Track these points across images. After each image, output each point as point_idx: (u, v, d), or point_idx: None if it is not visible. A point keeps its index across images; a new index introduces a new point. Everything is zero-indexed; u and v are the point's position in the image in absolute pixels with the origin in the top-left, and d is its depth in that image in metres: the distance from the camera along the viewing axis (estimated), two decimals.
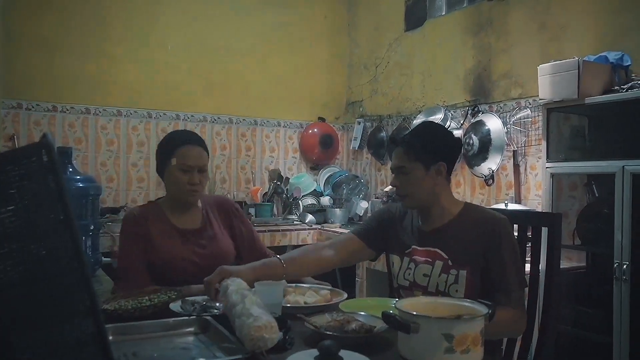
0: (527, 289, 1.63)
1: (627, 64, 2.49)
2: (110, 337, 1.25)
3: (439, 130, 1.76)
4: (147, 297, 1.53)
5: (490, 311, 1.15)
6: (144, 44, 3.94)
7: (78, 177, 2.12)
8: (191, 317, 1.38)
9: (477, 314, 1.14)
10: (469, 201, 3.36)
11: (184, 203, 1.90)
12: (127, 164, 3.91)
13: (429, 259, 1.63)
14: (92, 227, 2.13)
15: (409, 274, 1.67)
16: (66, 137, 3.71)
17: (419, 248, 1.67)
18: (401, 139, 1.69)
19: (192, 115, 4.13)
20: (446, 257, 1.60)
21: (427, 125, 1.79)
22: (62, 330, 0.84)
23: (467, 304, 1.22)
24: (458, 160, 1.95)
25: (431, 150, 1.63)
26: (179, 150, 1.83)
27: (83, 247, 0.87)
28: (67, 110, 3.73)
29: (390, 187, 3.89)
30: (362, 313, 1.39)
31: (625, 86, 2.37)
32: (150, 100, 3.98)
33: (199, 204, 1.96)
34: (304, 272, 1.79)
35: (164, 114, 4.03)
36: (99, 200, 2.24)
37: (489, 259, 1.55)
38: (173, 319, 1.37)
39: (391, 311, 1.17)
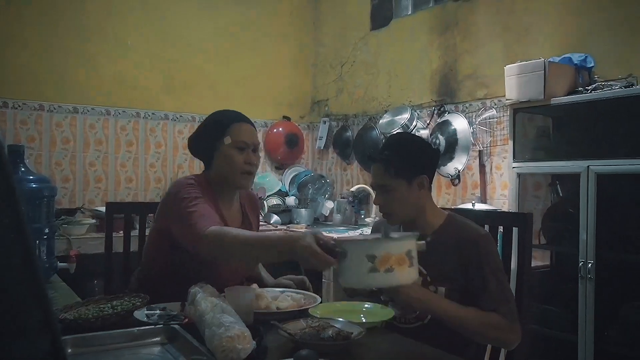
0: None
1: (591, 65, 2.54)
2: (69, 350, 1.17)
3: (417, 143, 1.70)
4: (109, 305, 1.44)
5: (419, 234, 1.30)
6: (102, 39, 3.78)
7: (31, 177, 1.98)
8: (157, 325, 1.30)
9: (403, 237, 1.22)
10: (434, 201, 3.38)
11: (235, 188, 1.77)
12: (84, 163, 3.74)
13: None
14: (46, 231, 2.00)
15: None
16: (18, 135, 3.52)
17: None
18: (379, 155, 1.63)
19: (153, 113, 4.00)
20: (425, 272, 1.57)
21: (404, 139, 1.74)
22: (11, 348, 0.76)
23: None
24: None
25: (412, 165, 1.59)
26: (233, 127, 1.70)
27: (36, 254, 0.79)
28: (19, 106, 3.54)
29: (356, 187, 3.88)
30: (340, 319, 1.34)
31: (589, 87, 2.41)
32: (108, 97, 3.82)
33: (236, 197, 1.83)
34: None
35: (123, 111, 3.89)
36: (53, 201, 2.12)
37: (471, 277, 1.52)
38: (138, 328, 1.29)
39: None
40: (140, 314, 1.38)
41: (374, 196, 1.72)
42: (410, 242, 1.20)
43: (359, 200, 3.93)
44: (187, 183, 1.65)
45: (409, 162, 1.59)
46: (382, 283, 1.20)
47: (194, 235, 1.47)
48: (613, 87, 2.31)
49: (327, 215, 4.11)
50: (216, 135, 1.71)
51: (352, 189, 3.91)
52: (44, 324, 0.78)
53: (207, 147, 1.74)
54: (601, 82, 2.42)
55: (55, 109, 3.65)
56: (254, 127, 1.78)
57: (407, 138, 1.77)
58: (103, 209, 2.67)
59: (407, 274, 1.18)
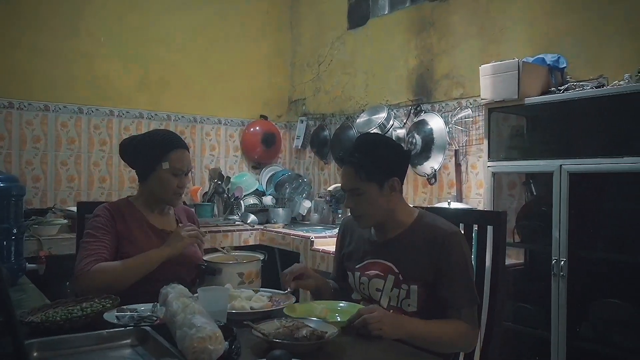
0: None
1: (563, 66, 2.57)
2: (35, 354, 1.14)
3: (387, 145, 1.66)
4: (78, 307, 1.41)
5: (264, 257, 1.91)
6: (74, 34, 3.70)
7: None
8: (128, 327, 1.27)
9: (255, 259, 1.87)
10: (411, 201, 3.40)
11: (165, 204, 1.93)
12: (56, 162, 3.66)
13: (380, 273, 1.60)
14: (15, 231, 1.96)
15: (364, 288, 1.64)
16: None
17: (371, 260, 1.64)
18: (350, 158, 1.60)
19: (127, 112, 3.93)
20: (397, 271, 1.57)
21: (374, 141, 1.68)
22: None
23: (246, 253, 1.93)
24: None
25: (383, 168, 1.58)
26: (172, 154, 1.84)
27: None
28: None
29: (334, 186, 3.87)
30: (313, 318, 1.33)
31: (562, 88, 2.44)
32: (81, 95, 3.74)
33: (171, 208, 1.99)
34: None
35: (97, 109, 3.81)
36: (22, 201, 2.06)
37: (439, 274, 1.52)
38: (107, 330, 1.26)
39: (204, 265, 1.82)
40: (110, 316, 1.35)
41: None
42: (259, 262, 1.85)
43: (337, 200, 3.92)
44: (97, 214, 1.82)
45: (379, 165, 1.57)
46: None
47: (76, 271, 1.68)
48: (585, 88, 2.34)
49: (304, 214, 4.10)
50: (156, 157, 1.84)
51: (330, 189, 3.90)
52: (5, 326, 0.75)
53: (144, 164, 1.88)
54: (573, 82, 2.46)
55: (25, 106, 3.56)
56: (189, 151, 1.94)
57: (377, 140, 1.71)
58: (75, 208, 2.62)
59: (259, 283, 1.81)
